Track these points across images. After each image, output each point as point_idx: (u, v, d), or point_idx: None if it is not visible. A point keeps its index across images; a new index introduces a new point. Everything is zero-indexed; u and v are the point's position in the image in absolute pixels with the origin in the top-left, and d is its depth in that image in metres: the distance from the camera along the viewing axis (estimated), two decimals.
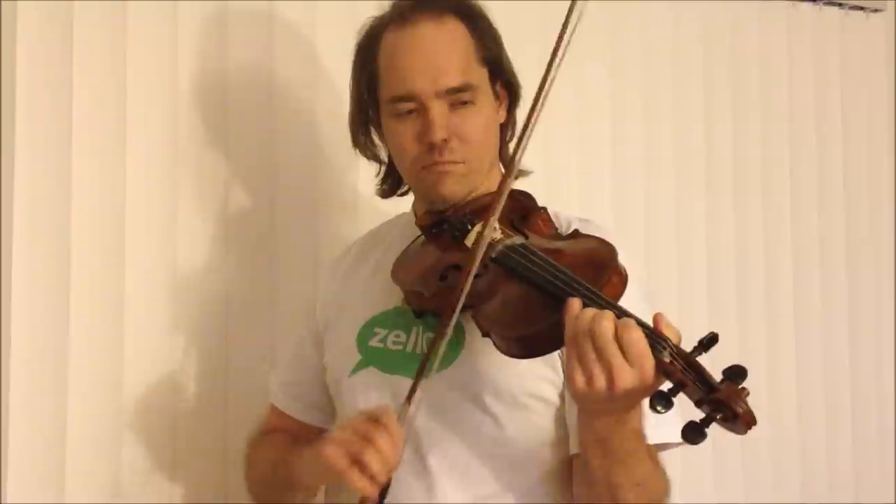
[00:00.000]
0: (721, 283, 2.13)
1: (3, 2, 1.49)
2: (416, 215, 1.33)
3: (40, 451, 1.50)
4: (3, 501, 1.47)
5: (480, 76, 1.25)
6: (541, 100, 1.11)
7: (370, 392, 1.25)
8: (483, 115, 1.25)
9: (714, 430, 0.92)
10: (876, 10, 2.34)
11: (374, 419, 1.06)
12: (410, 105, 1.22)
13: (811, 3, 2.26)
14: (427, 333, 1.23)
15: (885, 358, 2.33)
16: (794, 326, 2.21)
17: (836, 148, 2.30)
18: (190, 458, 1.61)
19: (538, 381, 1.18)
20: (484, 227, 1.13)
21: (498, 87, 1.29)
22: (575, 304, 0.99)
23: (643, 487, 1.08)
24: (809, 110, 2.26)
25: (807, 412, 2.21)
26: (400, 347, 1.24)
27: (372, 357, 1.27)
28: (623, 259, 1.09)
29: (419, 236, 1.30)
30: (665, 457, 1.16)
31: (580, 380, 0.96)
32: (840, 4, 2.30)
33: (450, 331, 1.09)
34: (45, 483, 1.50)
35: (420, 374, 1.10)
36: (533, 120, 1.12)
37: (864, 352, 2.31)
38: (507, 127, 1.34)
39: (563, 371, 1.17)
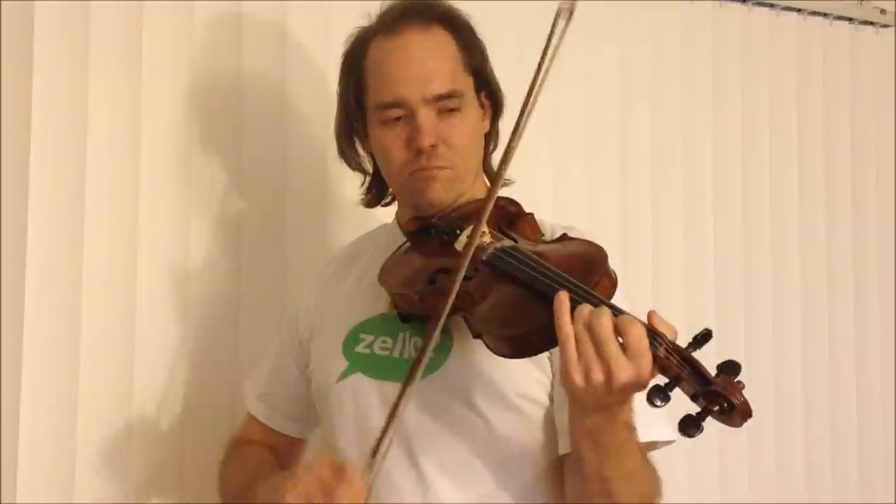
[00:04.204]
0: (728, 293, 2.13)
1: (20, 2, 1.50)
2: (399, 222, 1.35)
3: (51, 449, 1.52)
4: (14, 501, 1.48)
5: (466, 84, 1.27)
6: (527, 110, 1.12)
7: (358, 398, 1.25)
8: (469, 123, 1.26)
9: (717, 428, 0.93)
10: (885, 26, 2.34)
11: (339, 471, 1.05)
12: (398, 112, 1.24)
13: (821, 17, 2.27)
14: (414, 338, 1.23)
15: (890, 361, 2.32)
16: (801, 333, 2.21)
17: (845, 160, 2.30)
18: (199, 459, 1.60)
19: (528, 381, 1.19)
20: (475, 229, 1.13)
21: (482, 97, 1.31)
22: (562, 297, 0.99)
23: (633, 479, 1.09)
24: (818, 122, 2.26)
25: (813, 415, 2.21)
26: (387, 353, 1.25)
27: (359, 363, 1.27)
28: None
29: (404, 242, 1.31)
30: (666, 458, 1.17)
31: (578, 376, 0.97)
32: (850, 19, 2.30)
33: (437, 333, 1.09)
34: (54, 481, 1.52)
35: (410, 378, 1.09)
36: (522, 125, 1.12)
37: (870, 355, 2.30)
38: (490, 137, 1.35)
39: (552, 371, 1.18)
